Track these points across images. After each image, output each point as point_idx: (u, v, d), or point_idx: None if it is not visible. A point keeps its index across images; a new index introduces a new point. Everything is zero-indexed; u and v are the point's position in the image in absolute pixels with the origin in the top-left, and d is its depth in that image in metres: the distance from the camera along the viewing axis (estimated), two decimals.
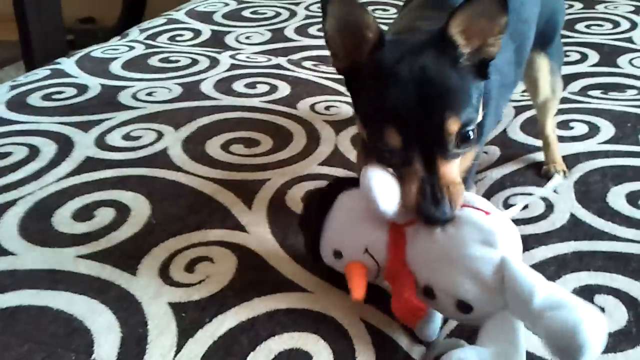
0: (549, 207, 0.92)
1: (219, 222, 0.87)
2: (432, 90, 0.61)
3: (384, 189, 0.63)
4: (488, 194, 1.00)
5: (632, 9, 1.86)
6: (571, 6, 1.89)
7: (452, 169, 0.63)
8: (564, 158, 1.06)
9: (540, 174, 1.02)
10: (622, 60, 1.50)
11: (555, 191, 0.94)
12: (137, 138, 1.12)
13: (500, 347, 0.58)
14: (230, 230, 0.86)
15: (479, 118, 0.66)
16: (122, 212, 0.90)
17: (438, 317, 0.69)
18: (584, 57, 1.52)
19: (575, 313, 0.53)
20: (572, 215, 0.89)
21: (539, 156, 1.08)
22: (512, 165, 1.07)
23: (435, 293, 0.62)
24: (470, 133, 0.63)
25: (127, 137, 1.13)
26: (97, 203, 0.92)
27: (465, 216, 0.62)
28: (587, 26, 1.72)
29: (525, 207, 0.88)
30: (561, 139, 1.12)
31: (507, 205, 0.94)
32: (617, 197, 0.93)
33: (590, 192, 0.95)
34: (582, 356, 0.52)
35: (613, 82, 1.40)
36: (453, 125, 0.61)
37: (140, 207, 0.91)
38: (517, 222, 0.88)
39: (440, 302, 0.62)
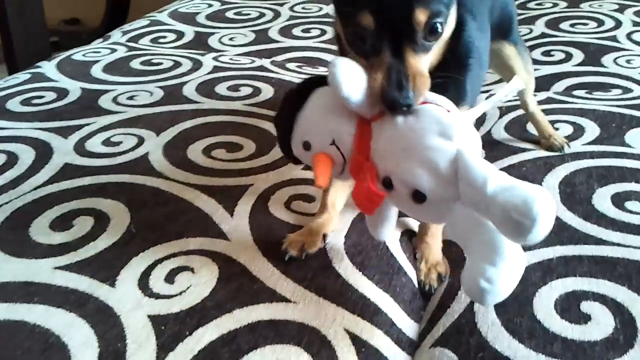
0: None
1: (200, 230, 0.86)
2: None
3: (349, 74, 0.65)
4: None
5: (616, 7, 1.86)
6: (555, 5, 1.89)
7: (420, 62, 0.66)
8: (549, 158, 1.05)
9: (518, 175, 1.01)
10: (607, 59, 1.50)
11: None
12: (118, 144, 1.10)
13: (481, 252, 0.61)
14: (211, 238, 0.84)
15: (452, 22, 0.71)
16: (101, 220, 0.88)
17: (393, 220, 0.74)
18: (568, 57, 1.52)
19: (529, 190, 0.56)
20: (557, 218, 0.88)
21: (524, 156, 1.08)
22: (497, 167, 1.06)
23: (393, 183, 0.64)
24: (438, 26, 0.66)
25: (107, 142, 1.10)
26: (75, 212, 0.90)
27: (426, 110, 0.65)
28: (572, 25, 1.72)
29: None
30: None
31: None
32: (602, 199, 0.92)
33: (576, 193, 0.94)
34: (535, 225, 0.54)
35: (598, 81, 1.40)
36: (421, 15, 0.64)
37: (119, 216, 0.89)
38: None
39: (397, 193, 0.65)
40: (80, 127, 1.16)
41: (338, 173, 0.70)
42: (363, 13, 0.65)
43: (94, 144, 1.09)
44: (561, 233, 0.85)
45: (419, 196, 0.62)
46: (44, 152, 1.07)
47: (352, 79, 0.65)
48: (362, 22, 0.65)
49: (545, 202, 0.55)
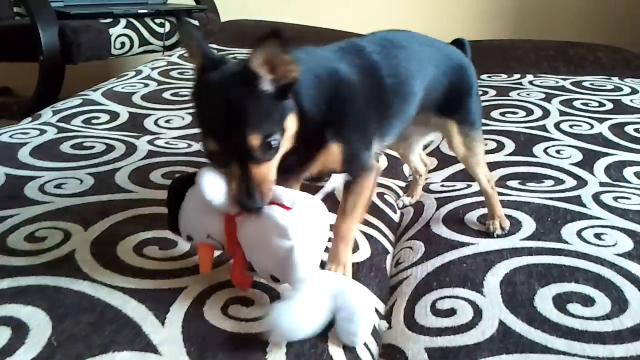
0: (478, 313, 0.89)
1: (127, 342, 0.79)
2: (234, 114, 0.78)
3: (212, 183, 0.82)
4: (414, 296, 0.97)
5: (543, 96, 1.95)
6: (485, 93, 1.96)
7: (263, 171, 0.81)
8: (489, 254, 1.05)
9: (460, 274, 1.00)
10: (537, 149, 1.54)
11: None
12: (42, 239, 1.03)
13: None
14: (140, 352, 0.78)
15: (292, 126, 0.84)
16: (19, 331, 0.80)
17: None
18: (500, 146, 1.56)
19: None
20: (501, 322, 0.87)
21: (463, 252, 1.07)
22: (436, 262, 1.05)
23: (255, 269, 0.85)
24: (274, 142, 0.80)
25: (30, 237, 1.03)
26: None
27: (269, 213, 0.81)
28: (502, 114, 1.77)
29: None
30: (486, 234, 1.12)
31: (434, 310, 0.92)
32: (544, 300, 0.91)
33: (517, 294, 0.94)
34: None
35: (530, 171, 1.43)
36: (254, 140, 0.78)
37: (39, 325, 0.82)
38: (446, 331, 0.86)
39: (260, 274, 0.86)
40: (2, 219, 1.09)
41: (220, 250, 0.90)
42: (208, 139, 0.80)
43: (16, 240, 1.02)
44: (506, 340, 0.83)
45: (275, 279, 0.84)
46: None
47: (214, 187, 0.82)
48: (208, 145, 0.80)
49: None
